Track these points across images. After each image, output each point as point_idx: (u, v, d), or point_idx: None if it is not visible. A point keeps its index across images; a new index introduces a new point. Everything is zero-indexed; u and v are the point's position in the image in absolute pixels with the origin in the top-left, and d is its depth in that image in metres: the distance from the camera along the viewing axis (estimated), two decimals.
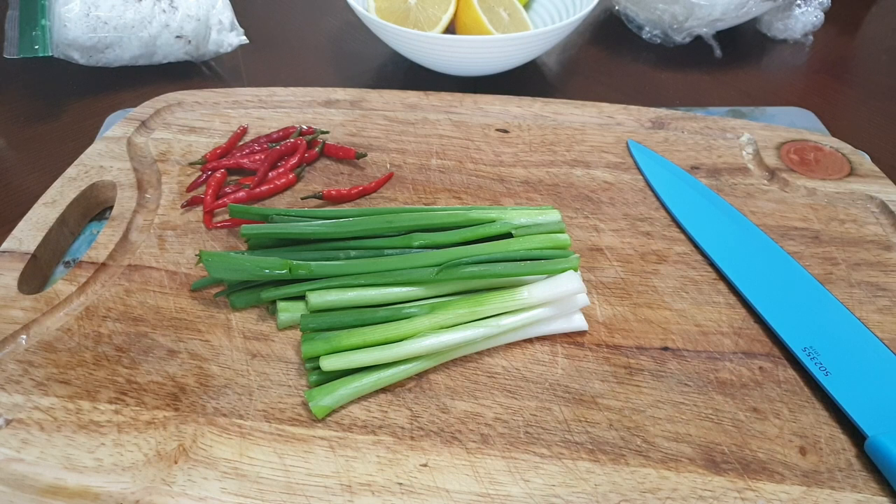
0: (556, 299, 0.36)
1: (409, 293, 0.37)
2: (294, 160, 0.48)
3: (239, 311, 0.39)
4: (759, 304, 0.38)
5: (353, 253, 0.39)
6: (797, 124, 0.53)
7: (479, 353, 0.37)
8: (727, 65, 0.65)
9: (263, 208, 0.42)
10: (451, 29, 0.61)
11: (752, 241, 0.42)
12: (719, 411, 0.34)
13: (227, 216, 0.45)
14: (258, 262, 0.37)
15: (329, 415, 0.34)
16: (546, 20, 0.65)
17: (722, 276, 0.41)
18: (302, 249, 0.40)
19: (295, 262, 0.37)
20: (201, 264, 0.41)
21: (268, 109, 0.53)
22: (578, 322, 0.37)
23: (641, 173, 0.47)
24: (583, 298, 0.37)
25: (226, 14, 0.63)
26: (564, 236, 0.40)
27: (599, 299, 0.39)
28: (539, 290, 0.36)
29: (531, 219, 0.41)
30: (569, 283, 0.36)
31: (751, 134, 0.50)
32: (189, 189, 0.47)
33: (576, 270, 0.37)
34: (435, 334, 0.35)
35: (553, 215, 0.41)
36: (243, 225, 0.40)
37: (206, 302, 0.39)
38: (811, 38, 0.67)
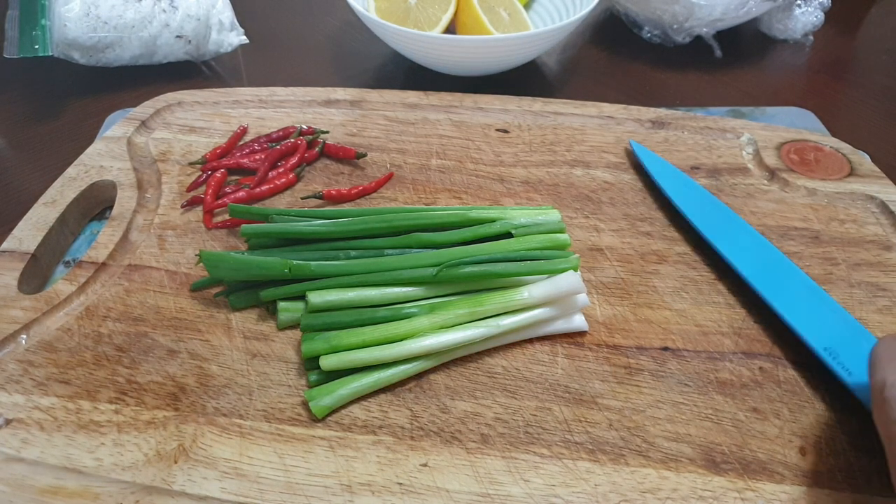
0: (557, 299, 0.36)
1: (409, 293, 0.37)
2: (294, 160, 0.48)
3: (239, 311, 0.39)
4: (779, 305, 0.38)
5: (353, 253, 0.39)
6: (797, 124, 0.53)
7: (479, 353, 0.37)
8: (727, 65, 0.65)
9: (263, 208, 0.42)
10: (451, 29, 0.61)
11: (753, 244, 0.41)
12: (719, 411, 0.34)
13: (227, 216, 0.45)
14: (258, 262, 0.37)
15: (329, 415, 0.34)
16: (546, 20, 0.65)
17: (721, 277, 0.41)
18: (302, 249, 0.40)
19: (295, 262, 0.37)
20: (201, 264, 0.41)
21: (268, 109, 0.53)
22: (579, 322, 0.37)
23: (642, 173, 0.47)
24: (583, 299, 0.37)
25: (226, 14, 0.63)
26: (564, 236, 0.40)
27: (599, 299, 0.39)
28: (539, 289, 0.36)
29: (531, 219, 0.41)
30: (569, 283, 0.36)
31: (751, 134, 0.50)
32: (189, 189, 0.47)
33: (576, 270, 0.37)
34: (435, 334, 0.35)
35: (553, 215, 0.41)
36: (243, 225, 0.40)
37: (206, 302, 0.39)
38: (811, 38, 0.67)
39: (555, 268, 0.37)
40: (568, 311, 0.37)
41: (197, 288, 0.40)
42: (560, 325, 0.37)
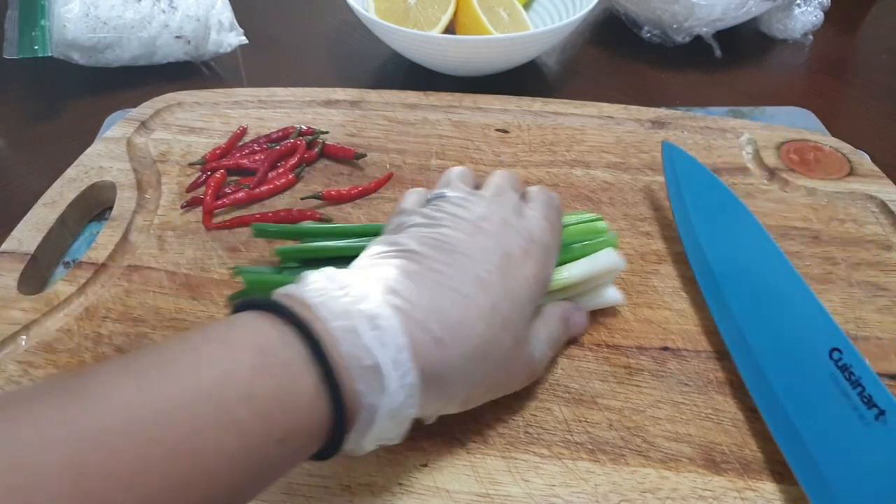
0: (596, 277, 0.36)
1: None
2: (294, 160, 0.48)
3: None
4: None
5: None
6: (797, 124, 0.53)
7: None
8: (727, 64, 0.65)
9: (292, 226, 0.41)
10: (450, 29, 0.61)
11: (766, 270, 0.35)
12: (719, 411, 0.34)
13: (226, 217, 0.45)
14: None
15: None
16: (546, 20, 0.65)
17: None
18: (337, 266, 0.38)
19: None
20: (202, 266, 0.41)
21: (267, 110, 0.53)
22: (613, 296, 0.37)
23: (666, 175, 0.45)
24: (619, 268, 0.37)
25: (225, 14, 0.63)
26: (602, 223, 0.38)
27: None
28: (579, 268, 0.35)
29: (567, 219, 0.39)
30: (608, 260, 0.35)
31: (750, 134, 0.50)
32: (189, 189, 0.47)
33: (615, 247, 0.37)
34: None
35: (590, 217, 0.39)
36: (278, 247, 0.38)
37: (205, 303, 0.39)
38: (811, 37, 0.67)
39: (593, 248, 0.36)
40: (602, 287, 0.37)
41: (233, 299, 0.39)
42: (596, 301, 0.37)
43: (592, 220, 0.39)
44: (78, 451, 0.19)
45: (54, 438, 0.19)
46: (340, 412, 0.24)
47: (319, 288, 0.26)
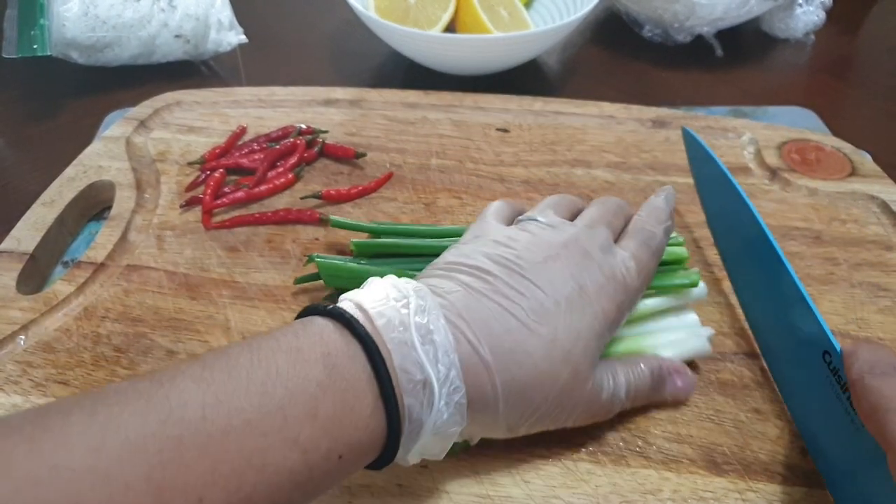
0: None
1: None
2: (293, 160, 0.47)
3: (238, 312, 0.38)
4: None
5: None
6: (798, 124, 0.53)
7: None
8: (728, 64, 0.65)
9: (367, 224, 0.41)
10: (451, 28, 0.61)
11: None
12: (720, 412, 0.34)
13: (225, 216, 0.44)
14: (374, 272, 0.36)
15: None
16: (546, 19, 0.65)
17: (722, 276, 0.40)
18: (405, 261, 0.38)
19: (412, 273, 0.34)
20: (201, 266, 0.41)
21: (267, 109, 0.53)
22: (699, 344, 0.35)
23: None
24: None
25: (225, 13, 0.63)
26: (682, 249, 0.36)
27: None
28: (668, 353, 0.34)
29: None
30: (698, 347, 0.34)
31: (752, 133, 0.50)
32: (188, 189, 0.46)
33: (696, 285, 0.35)
34: None
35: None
36: (354, 240, 0.39)
37: (204, 302, 0.39)
38: (812, 37, 0.67)
39: (673, 283, 0.35)
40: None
41: (300, 282, 0.39)
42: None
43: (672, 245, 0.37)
44: (159, 464, 0.20)
45: (138, 448, 0.20)
46: (395, 429, 0.24)
47: (381, 298, 0.26)
